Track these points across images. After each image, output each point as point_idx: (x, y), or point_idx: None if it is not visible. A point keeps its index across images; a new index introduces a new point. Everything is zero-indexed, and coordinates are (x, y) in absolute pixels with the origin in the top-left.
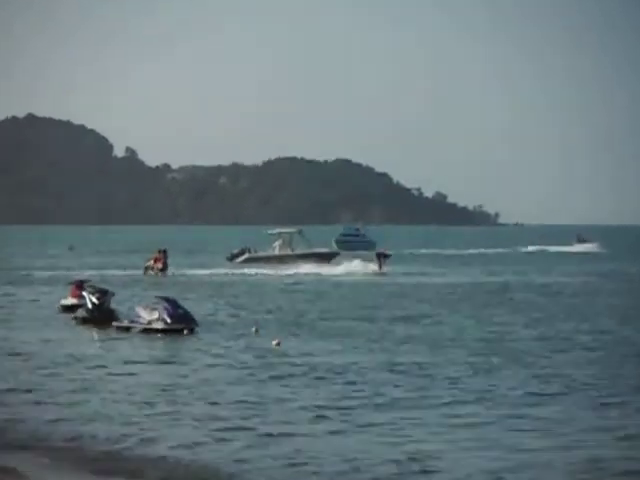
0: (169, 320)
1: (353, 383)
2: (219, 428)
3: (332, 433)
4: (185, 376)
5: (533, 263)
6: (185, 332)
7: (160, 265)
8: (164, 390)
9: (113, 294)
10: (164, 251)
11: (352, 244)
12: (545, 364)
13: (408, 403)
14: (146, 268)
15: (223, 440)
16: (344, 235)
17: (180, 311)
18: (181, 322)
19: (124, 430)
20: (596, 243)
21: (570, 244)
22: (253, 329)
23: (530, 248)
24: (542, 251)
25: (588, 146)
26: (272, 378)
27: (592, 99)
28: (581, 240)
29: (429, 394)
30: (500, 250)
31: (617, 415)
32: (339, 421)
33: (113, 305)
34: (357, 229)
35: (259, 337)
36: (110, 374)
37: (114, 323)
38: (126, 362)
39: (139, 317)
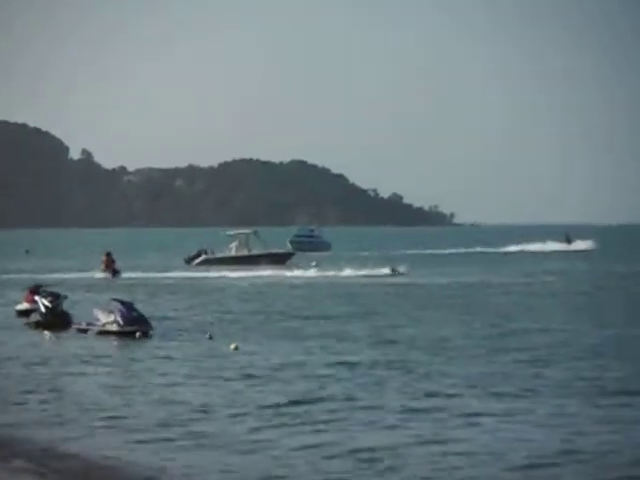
0: (122, 323)
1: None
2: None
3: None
4: (129, 377)
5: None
6: (137, 335)
7: (108, 269)
8: (107, 392)
9: (65, 297)
10: (108, 254)
11: (306, 245)
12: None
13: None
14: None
15: (142, 442)
16: (298, 236)
17: (134, 314)
18: (134, 325)
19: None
20: (590, 241)
21: (560, 243)
22: (207, 335)
23: (533, 246)
24: (541, 250)
25: (586, 146)
26: (224, 379)
27: (591, 99)
28: (569, 239)
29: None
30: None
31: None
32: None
33: (66, 308)
34: (312, 230)
35: (214, 341)
36: (53, 374)
37: (73, 325)
38: (69, 363)
39: (97, 320)
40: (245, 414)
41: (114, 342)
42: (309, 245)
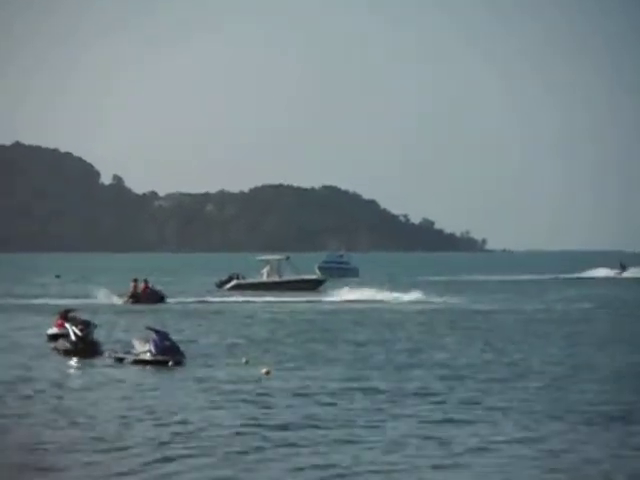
0: (155, 352)
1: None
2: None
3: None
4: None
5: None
6: (170, 364)
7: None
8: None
9: (96, 326)
10: (136, 280)
11: (335, 270)
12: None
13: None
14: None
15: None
16: (327, 262)
17: (167, 343)
18: (166, 354)
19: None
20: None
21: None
22: (243, 359)
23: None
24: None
25: (592, 173)
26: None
27: (601, 119)
28: (623, 266)
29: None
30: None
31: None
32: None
33: (96, 336)
34: (340, 255)
35: (249, 366)
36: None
37: (110, 354)
38: (95, 389)
39: (133, 348)
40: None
41: (144, 371)
42: (337, 271)
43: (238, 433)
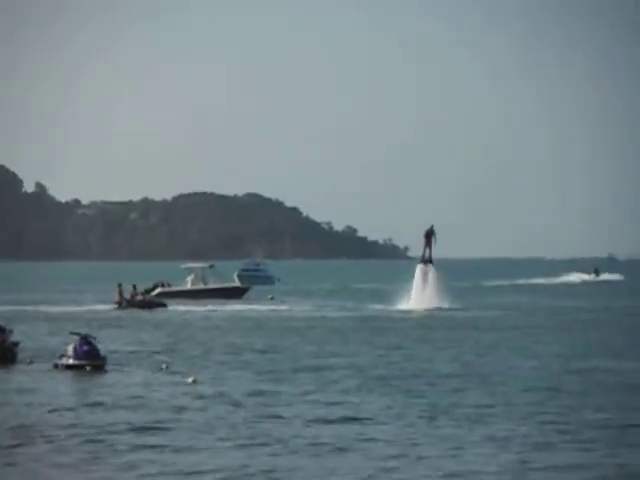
0: (73, 356)
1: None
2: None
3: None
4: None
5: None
6: (87, 369)
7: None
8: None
9: (11, 331)
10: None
11: (252, 278)
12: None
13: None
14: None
15: None
16: (245, 270)
17: (85, 348)
18: (83, 359)
19: None
20: (617, 274)
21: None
22: (164, 366)
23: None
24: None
25: (525, 180)
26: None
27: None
28: (597, 271)
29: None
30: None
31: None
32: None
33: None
34: (257, 264)
35: (171, 374)
36: None
37: (29, 359)
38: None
39: (67, 352)
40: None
41: (63, 376)
42: (255, 279)
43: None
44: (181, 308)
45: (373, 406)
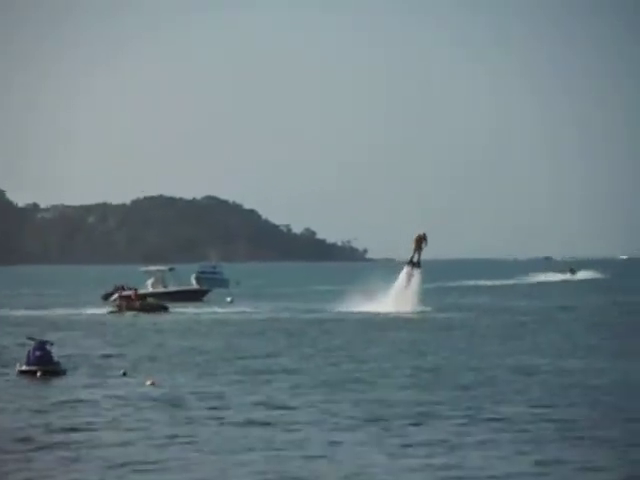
0: (25, 362)
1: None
2: None
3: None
4: None
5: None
6: (38, 374)
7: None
8: None
9: None
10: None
11: (208, 281)
12: None
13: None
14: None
15: None
16: (201, 272)
17: (37, 353)
18: (35, 364)
19: None
20: (591, 271)
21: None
22: (121, 371)
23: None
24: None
25: (487, 182)
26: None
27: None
28: (573, 270)
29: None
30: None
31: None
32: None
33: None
34: (213, 266)
35: (130, 378)
36: None
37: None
38: None
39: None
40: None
41: (17, 382)
42: (210, 281)
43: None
44: (180, 310)
45: (306, 407)
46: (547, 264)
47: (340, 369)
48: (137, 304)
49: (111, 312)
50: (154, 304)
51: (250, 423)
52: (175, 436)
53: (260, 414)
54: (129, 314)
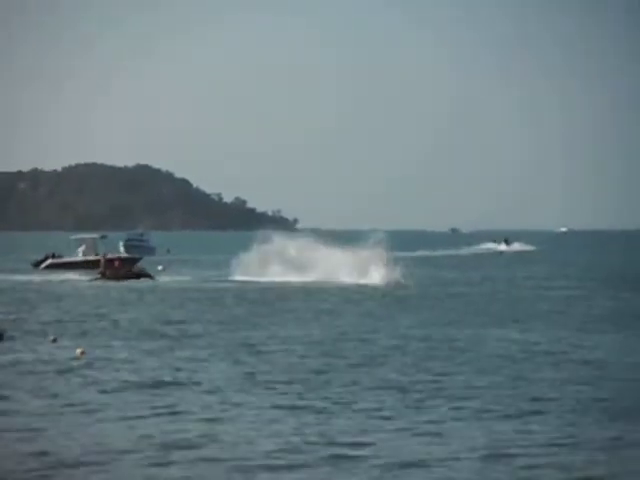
0: None
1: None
2: None
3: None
4: None
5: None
6: None
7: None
8: None
9: None
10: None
11: (136, 249)
12: None
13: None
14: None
15: None
16: (129, 240)
17: None
18: None
19: None
20: (518, 243)
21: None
22: (50, 337)
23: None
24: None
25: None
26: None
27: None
28: (507, 242)
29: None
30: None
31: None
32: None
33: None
34: (141, 234)
35: (59, 345)
36: None
37: None
38: None
39: None
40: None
41: None
42: (138, 249)
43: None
44: (166, 279)
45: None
46: (453, 236)
47: (239, 336)
48: (122, 272)
49: (95, 279)
50: (140, 272)
51: (146, 386)
52: (71, 404)
53: (158, 377)
54: (111, 282)
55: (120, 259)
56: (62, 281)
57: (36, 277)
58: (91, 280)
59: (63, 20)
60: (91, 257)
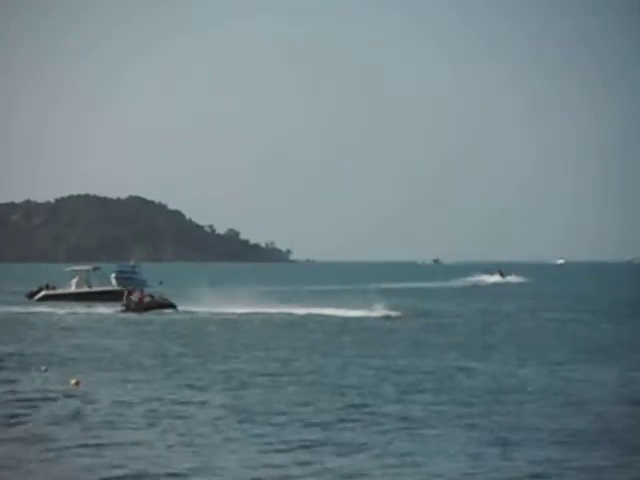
0: None
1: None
2: None
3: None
4: None
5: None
6: None
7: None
8: None
9: None
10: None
11: (127, 281)
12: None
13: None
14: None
15: None
16: (119, 272)
17: None
18: None
19: None
20: (512, 275)
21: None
22: (43, 368)
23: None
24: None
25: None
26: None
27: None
28: (502, 274)
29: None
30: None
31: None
32: None
33: None
34: (132, 266)
35: (51, 376)
36: None
37: None
38: None
39: None
40: None
41: None
42: (129, 281)
43: None
44: (192, 310)
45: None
46: (436, 267)
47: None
48: (146, 303)
49: (121, 311)
50: (163, 303)
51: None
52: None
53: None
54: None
55: (141, 291)
56: (71, 313)
57: (37, 308)
58: (117, 312)
59: (46, 43)
60: (84, 289)
